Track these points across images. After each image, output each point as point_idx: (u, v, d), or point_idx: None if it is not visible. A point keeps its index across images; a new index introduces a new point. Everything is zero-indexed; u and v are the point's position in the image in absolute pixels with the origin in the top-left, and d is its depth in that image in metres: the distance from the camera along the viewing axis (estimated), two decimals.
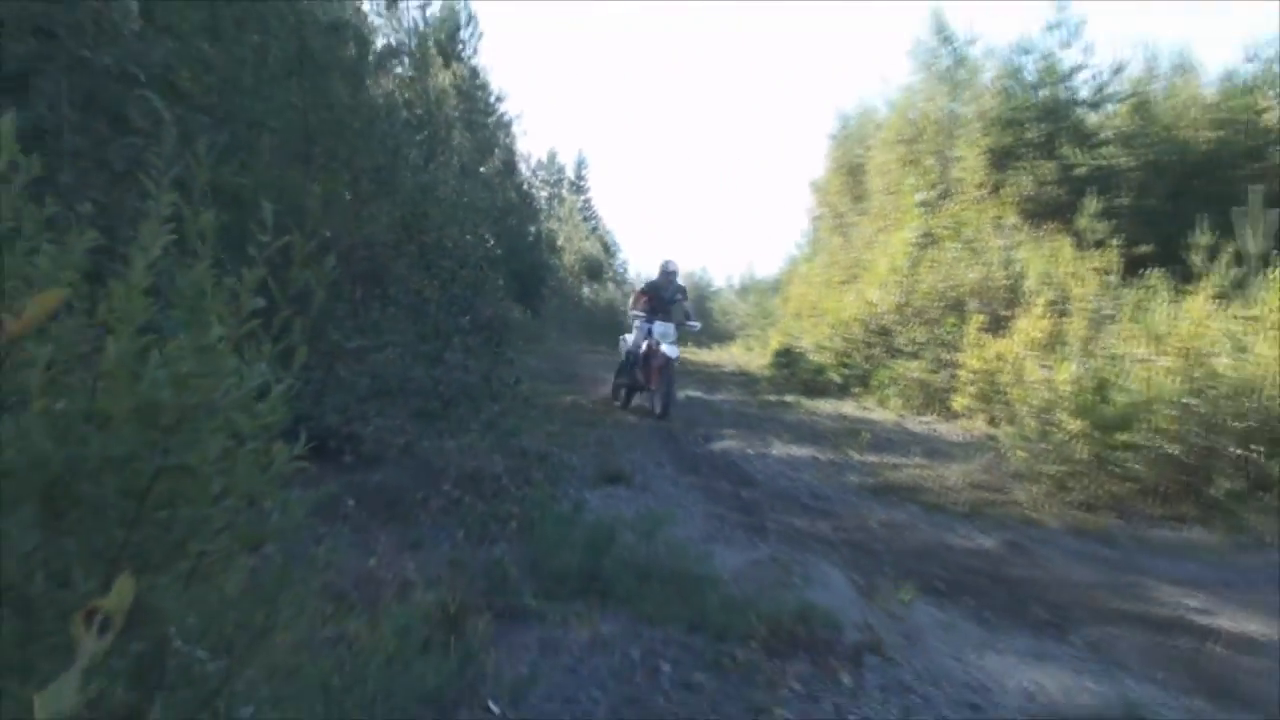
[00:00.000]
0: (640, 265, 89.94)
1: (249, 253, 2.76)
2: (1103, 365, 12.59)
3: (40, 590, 2.36)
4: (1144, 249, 17.78)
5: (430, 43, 27.11)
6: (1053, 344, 15.51)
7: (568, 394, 17.34)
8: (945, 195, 23.21)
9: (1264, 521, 10.63)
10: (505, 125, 32.78)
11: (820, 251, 30.68)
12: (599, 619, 5.75)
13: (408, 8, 26.58)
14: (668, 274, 17.27)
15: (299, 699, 3.03)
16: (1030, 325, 16.87)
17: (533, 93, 75.05)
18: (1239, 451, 11.37)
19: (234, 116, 8.73)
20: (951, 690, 5.52)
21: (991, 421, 16.15)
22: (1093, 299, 16.77)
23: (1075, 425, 11.97)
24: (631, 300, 17.83)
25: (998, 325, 18.07)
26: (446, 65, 28.07)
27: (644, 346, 16.49)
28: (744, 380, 23.56)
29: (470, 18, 30.90)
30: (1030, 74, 23.46)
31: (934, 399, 18.68)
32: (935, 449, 14.91)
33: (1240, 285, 13.96)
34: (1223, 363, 12.02)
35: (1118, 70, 23.01)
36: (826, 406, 19.24)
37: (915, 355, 19.40)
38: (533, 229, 30.67)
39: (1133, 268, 16.91)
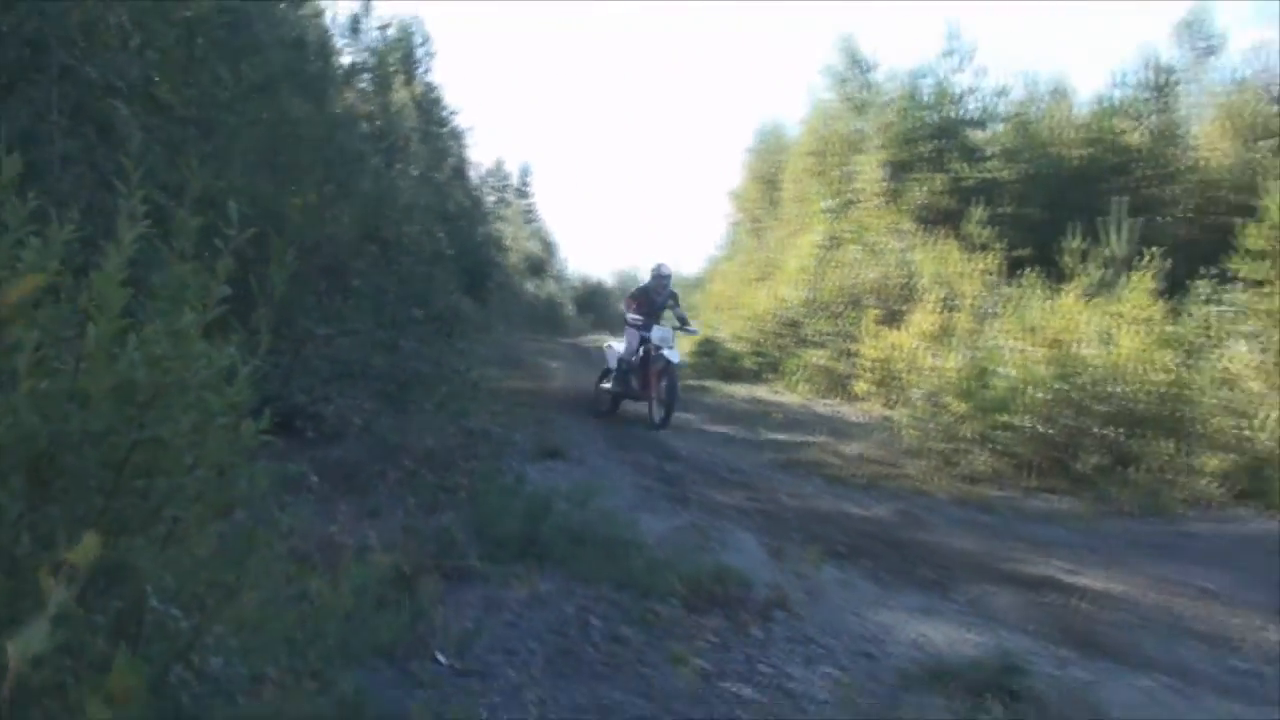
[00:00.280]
0: (579, 263, 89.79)
1: (217, 247, 2.74)
2: (985, 355, 12.71)
3: (26, 551, 2.33)
4: (1023, 252, 17.92)
5: (390, 61, 26.91)
6: (942, 336, 15.65)
7: (512, 379, 16.91)
8: (849, 203, 23.31)
9: (1124, 493, 10.78)
10: (457, 136, 32.62)
11: (738, 252, 30.76)
12: (537, 579, 5.74)
13: (369, 29, 26.37)
14: (660, 277, 15.19)
15: (264, 651, 3.00)
16: (923, 319, 17.00)
17: (482, 103, 74.75)
18: (1103, 431, 11.52)
19: (210, 127, 8.62)
20: (849, 641, 5.55)
21: (888, 404, 16.25)
22: (977, 296, 16.93)
23: (960, 407, 12.10)
24: (624, 305, 15.90)
25: (894, 319, 18.18)
26: (407, 83, 27.88)
27: (640, 352, 14.33)
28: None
29: (425, 38, 30.75)
30: (925, 96, 23.62)
31: (837, 384, 18.76)
32: (838, 429, 14.99)
33: (1106, 285, 14.12)
34: (1089, 353, 12.18)
35: (1001, 94, 23.21)
36: (742, 391, 19.27)
37: (821, 345, 19.46)
38: (481, 230, 30.48)
39: (1013, 269, 17.07)
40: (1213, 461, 10.93)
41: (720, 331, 24.15)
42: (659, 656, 4.85)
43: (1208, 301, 13.46)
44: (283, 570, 3.33)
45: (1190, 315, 13.22)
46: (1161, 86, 22.29)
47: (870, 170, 23.08)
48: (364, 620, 4.07)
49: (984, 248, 18.85)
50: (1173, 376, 11.78)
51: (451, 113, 31.55)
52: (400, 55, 28.62)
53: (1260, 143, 19.56)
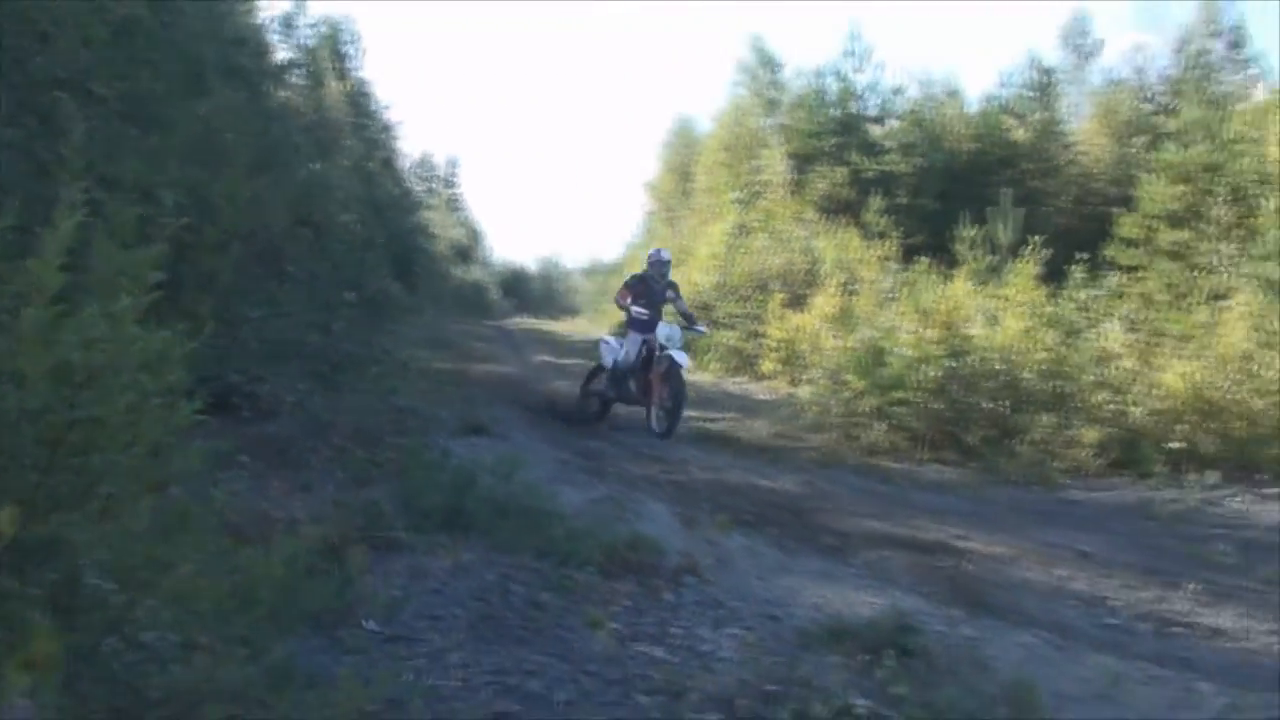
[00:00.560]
0: (504, 250, 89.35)
1: (150, 235, 2.69)
2: (881, 335, 12.85)
3: None
4: (918, 240, 18.19)
5: (322, 57, 26.54)
6: (843, 318, 15.77)
7: (439, 360, 16.70)
8: (757, 194, 23.45)
9: (1009, 463, 10.96)
10: (388, 129, 32.23)
11: (654, 239, 30.79)
12: (461, 548, 5.70)
13: (301, 26, 25.95)
14: (659, 264, 12.93)
15: (196, 621, 2.96)
16: (825, 302, 17.12)
17: (412, 98, 74.29)
18: (990, 406, 11.71)
19: (147, 121, 8.43)
20: (755, 604, 5.59)
21: (793, 382, 16.33)
22: (875, 281, 17.10)
23: (859, 385, 12.21)
24: (618, 297, 13.13)
25: (799, 302, 18.30)
26: (338, 78, 27.51)
27: (641, 353, 12.30)
28: (588, 348, 23.48)
29: (355, 36, 30.34)
30: (828, 93, 23.82)
31: (746, 364, 18.86)
32: (746, 406, 15.08)
33: (993, 270, 14.35)
34: (977, 333, 12.37)
35: (898, 92, 23.50)
36: None
37: (731, 327, 19.54)
38: (410, 219, 30.21)
39: (909, 255, 17.29)
40: (1090, 434, 11.15)
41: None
42: (576, 621, 4.85)
43: (1086, 285, 13.71)
44: (215, 543, 3.28)
45: (1070, 298, 13.46)
46: (1045, 86, 22.71)
47: (776, 163, 23.25)
48: (294, 590, 4.02)
49: (882, 236, 19.09)
50: (1053, 355, 12.00)
51: (382, 107, 31.19)
52: (332, 52, 28.23)
53: (1134, 139, 19.98)
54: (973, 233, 15.23)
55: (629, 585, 5.56)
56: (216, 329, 7.87)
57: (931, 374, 11.77)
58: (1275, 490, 10.01)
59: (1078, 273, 13.86)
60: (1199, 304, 13.39)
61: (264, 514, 5.48)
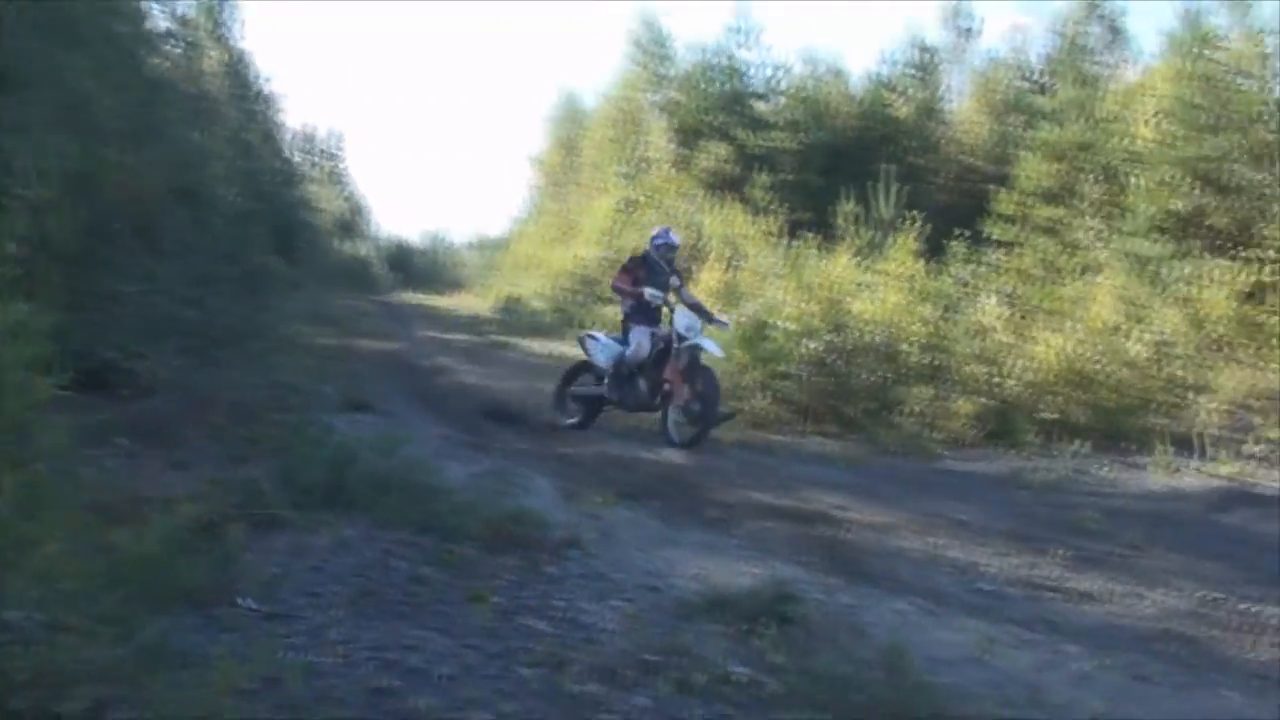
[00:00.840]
0: (390, 225, 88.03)
1: (6, 206, 2.62)
2: (765, 310, 12.98)
3: None
4: (802, 216, 18.33)
5: (201, 27, 25.85)
6: (728, 292, 15.88)
7: (323, 335, 16.39)
8: (643, 169, 23.47)
9: (889, 435, 11.19)
10: (269, 101, 31.52)
11: (540, 215, 30.68)
12: (342, 525, 5.64)
13: None
14: (665, 246, 11.33)
15: (64, 601, 2.90)
16: (710, 277, 17.23)
17: (295, 70, 72.49)
18: (870, 378, 11.91)
19: (12, 86, 8.14)
20: (637, 576, 5.62)
21: None
22: (760, 256, 17.23)
23: (743, 358, 12.32)
24: (615, 282, 11.63)
25: (685, 277, 18.37)
26: (219, 49, 26.83)
27: (656, 345, 10.78)
28: (474, 323, 23.36)
29: (234, 6, 29.58)
30: (715, 70, 23.89)
31: None
32: None
33: (874, 246, 14.56)
34: (858, 307, 12.57)
35: (784, 69, 23.66)
36: (544, 346, 19.21)
37: (617, 302, 19.53)
38: (292, 191, 29.68)
39: (793, 231, 17.42)
40: (966, 405, 11.42)
41: (523, 289, 24.11)
42: (458, 595, 4.83)
43: (964, 261, 14.00)
44: (86, 522, 3.22)
45: (948, 273, 13.74)
46: (926, 65, 23.05)
47: (663, 139, 23.30)
48: (167, 568, 3.95)
49: (767, 211, 19.25)
50: (931, 329, 12.26)
51: (263, 79, 30.49)
52: (210, 21, 27.51)
53: (1013, 118, 20.38)
54: (854, 209, 15.42)
55: (512, 559, 5.54)
56: (91, 304, 7.69)
57: (813, 348, 11.94)
58: (1141, 459, 10.36)
59: (956, 248, 14.14)
60: (1072, 279, 13.76)
61: (139, 492, 5.36)
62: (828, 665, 4.23)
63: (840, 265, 13.72)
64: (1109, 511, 8.29)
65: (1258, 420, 10.44)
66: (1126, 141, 15.11)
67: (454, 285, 34.67)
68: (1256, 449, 9.97)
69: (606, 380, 11.02)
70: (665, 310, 11.03)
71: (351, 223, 43.51)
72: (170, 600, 3.82)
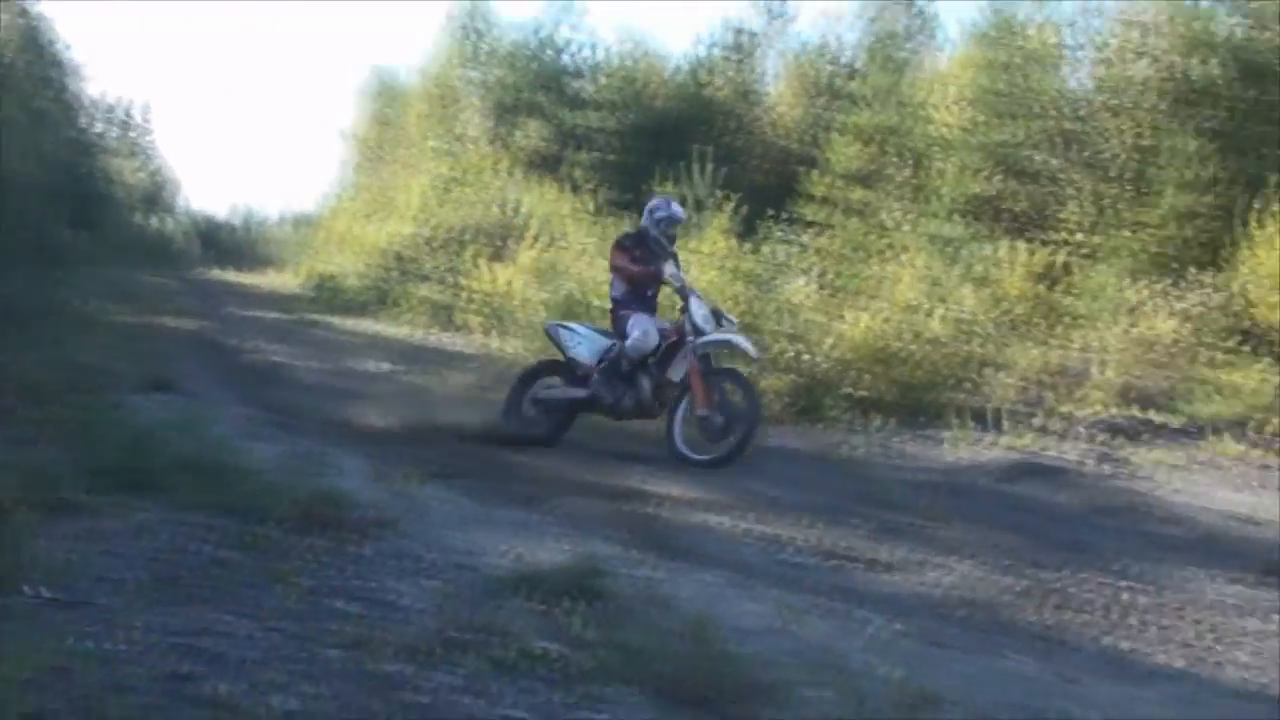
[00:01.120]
0: (200, 200, 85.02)
1: None
2: (578, 288, 13.01)
3: None
4: (621, 196, 18.43)
5: None
6: (545, 271, 15.87)
7: (124, 313, 15.70)
8: (462, 147, 23.25)
9: None
10: (68, 69, 30.08)
11: (355, 191, 30.05)
12: (140, 509, 5.49)
13: None
14: (667, 220, 9.73)
15: None
16: (527, 256, 17.19)
17: (100, 38, 69.28)
18: None
19: None
20: (449, 555, 5.62)
21: (495, 336, 16.26)
22: (577, 235, 17.25)
23: None
24: (616, 258, 9.69)
25: (501, 255, 18.29)
26: (9, 12, 25.49)
27: (667, 337, 9.29)
28: (285, 301, 22.76)
29: None
30: (534, 48, 23.82)
31: (447, 318, 18.67)
32: (446, 360, 14.94)
33: (694, 225, 14.71)
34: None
35: (603, 49, 23.74)
36: (358, 324, 18.84)
37: (432, 280, 19.30)
38: (91, 163, 28.45)
39: (616, 211, 17.51)
40: (777, 383, 11.64)
41: (337, 267, 23.64)
42: (264, 578, 4.75)
43: (777, 241, 14.29)
44: None
45: (759, 253, 14.00)
46: (742, 48, 23.39)
47: (482, 115, 23.14)
48: None
49: (585, 190, 19.27)
50: (743, 307, 12.46)
51: (63, 46, 29.07)
52: None
53: (826, 102, 20.83)
54: (671, 189, 15.54)
55: (321, 540, 5.47)
56: None
57: None
58: (942, 433, 10.73)
59: (770, 229, 14.41)
60: (880, 259, 14.18)
61: None
62: (637, 639, 4.29)
63: None
64: (911, 484, 8.61)
65: (1049, 395, 10.93)
66: (932, 127, 15.63)
67: (266, 262, 33.72)
68: (1048, 423, 10.43)
69: (595, 378, 9.33)
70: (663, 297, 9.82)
71: (157, 197, 41.91)
72: None
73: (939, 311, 12.27)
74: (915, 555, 6.56)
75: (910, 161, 15.74)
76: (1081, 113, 14.68)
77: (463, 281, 18.25)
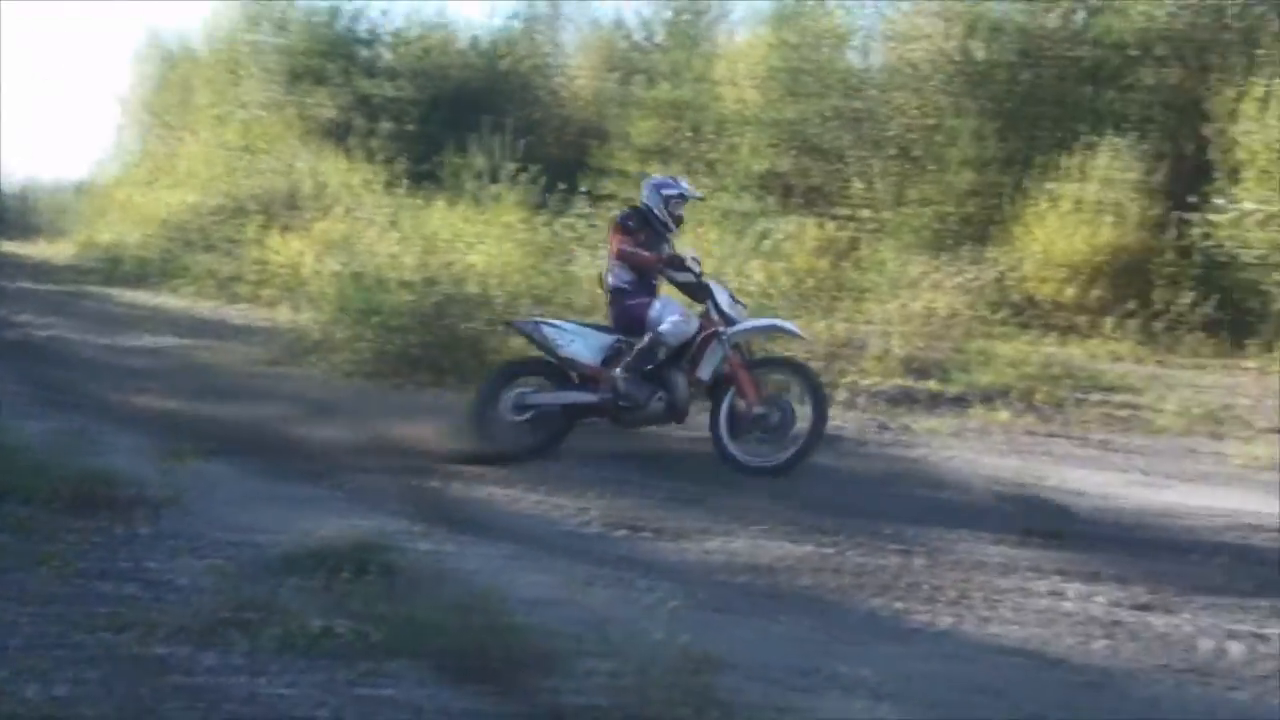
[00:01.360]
0: None
1: None
2: (368, 260, 12.79)
3: None
4: (416, 166, 18.21)
5: None
6: (337, 243, 15.53)
7: None
8: (248, 114, 22.59)
9: None
10: None
11: (134, 158, 28.82)
12: None
13: None
14: (678, 199, 8.52)
15: None
16: (317, 227, 16.84)
17: None
18: (468, 327, 11.72)
19: None
20: (235, 534, 5.52)
21: (281, 307, 15.80)
22: (369, 206, 16.96)
23: (348, 309, 12.05)
24: (615, 245, 8.35)
25: (290, 226, 17.84)
26: None
27: (700, 328, 8.04)
28: (59, 272, 21.66)
29: None
30: (324, 14, 23.30)
31: (241, 290, 18.09)
32: (228, 332, 14.43)
33: (493, 197, 14.65)
34: (456, 258, 12.58)
35: (398, 17, 23.43)
36: (137, 296, 18.04)
37: (226, 251, 18.69)
38: None
39: (414, 180, 17.26)
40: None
41: (113, 236, 22.67)
42: (28, 561, 4.56)
43: (566, 215, 14.35)
44: None
45: (551, 224, 14.05)
46: (537, 20, 23.43)
47: (267, 83, 22.52)
48: None
49: (378, 161, 18.95)
50: (532, 280, 12.44)
51: None
52: None
53: (624, 75, 21.00)
54: (464, 160, 15.43)
55: (98, 521, 5.32)
56: None
57: (408, 299, 11.76)
58: None
59: (563, 202, 14.46)
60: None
61: None
62: (421, 613, 4.27)
63: (439, 216, 13.76)
64: (695, 455, 8.61)
65: (835, 367, 11.24)
66: (725, 104, 15.92)
67: (40, 231, 32.11)
68: (833, 394, 10.74)
69: (617, 380, 8.01)
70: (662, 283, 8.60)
71: None
72: None
73: (737, 283, 12.50)
74: (699, 524, 6.67)
75: (706, 137, 16.02)
76: (869, 92, 15.19)
77: (250, 253, 17.73)
